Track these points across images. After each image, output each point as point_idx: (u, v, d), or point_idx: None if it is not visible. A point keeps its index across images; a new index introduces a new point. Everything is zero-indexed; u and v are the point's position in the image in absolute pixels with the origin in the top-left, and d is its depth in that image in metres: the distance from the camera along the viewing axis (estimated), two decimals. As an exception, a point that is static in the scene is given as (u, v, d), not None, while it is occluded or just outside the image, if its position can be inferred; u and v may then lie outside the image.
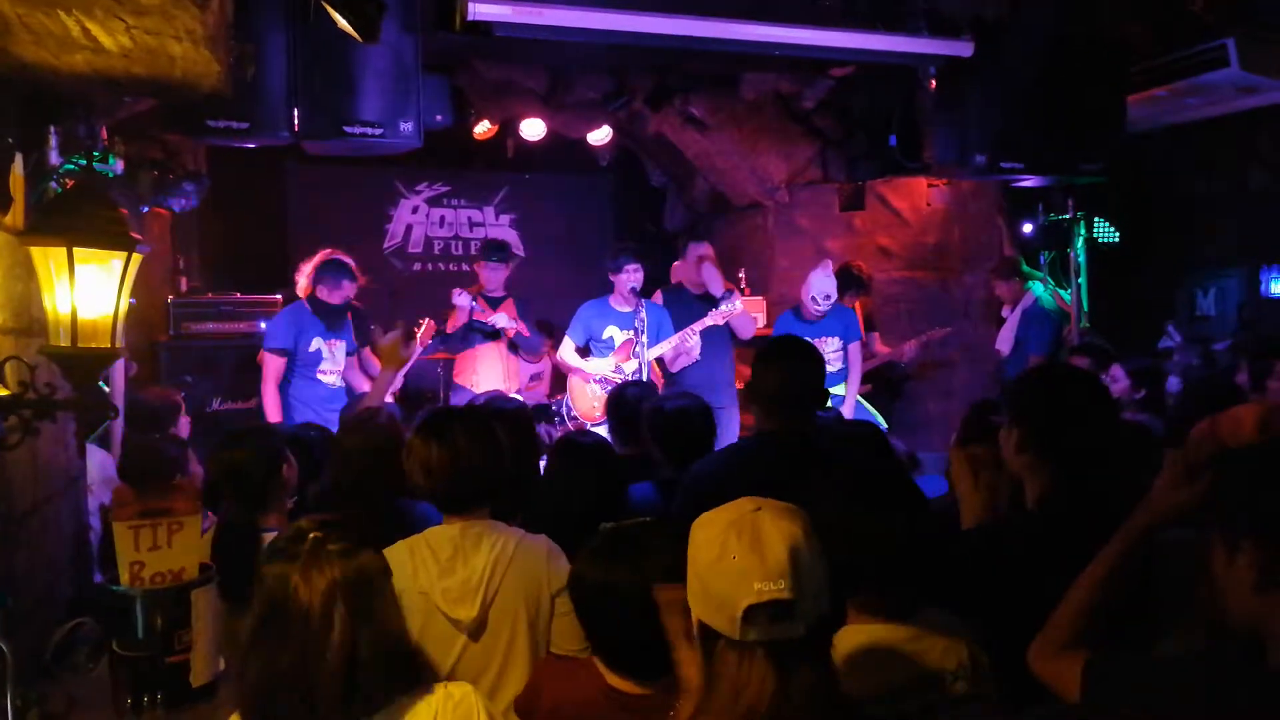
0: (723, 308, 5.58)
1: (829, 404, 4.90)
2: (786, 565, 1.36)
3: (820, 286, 5.84)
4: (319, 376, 5.28)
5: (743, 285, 7.32)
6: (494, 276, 5.95)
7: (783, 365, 2.75)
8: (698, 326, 5.57)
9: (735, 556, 1.38)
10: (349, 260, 5.43)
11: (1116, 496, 2.05)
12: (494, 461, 2.36)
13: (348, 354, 5.46)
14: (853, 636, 1.77)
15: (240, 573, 1.97)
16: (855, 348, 6.06)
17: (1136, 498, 1.70)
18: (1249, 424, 2.19)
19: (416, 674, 1.74)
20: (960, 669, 1.78)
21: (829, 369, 5.66)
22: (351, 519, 1.76)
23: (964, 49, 5.18)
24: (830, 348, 5.85)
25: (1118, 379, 4.51)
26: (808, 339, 5.41)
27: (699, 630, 1.43)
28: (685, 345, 5.59)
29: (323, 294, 5.29)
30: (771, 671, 1.36)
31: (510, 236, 8.70)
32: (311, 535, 1.64)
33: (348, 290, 5.34)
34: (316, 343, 5.27)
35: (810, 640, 1.39)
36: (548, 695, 1.89)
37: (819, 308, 5.85)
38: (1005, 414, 2.19)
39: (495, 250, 6.03)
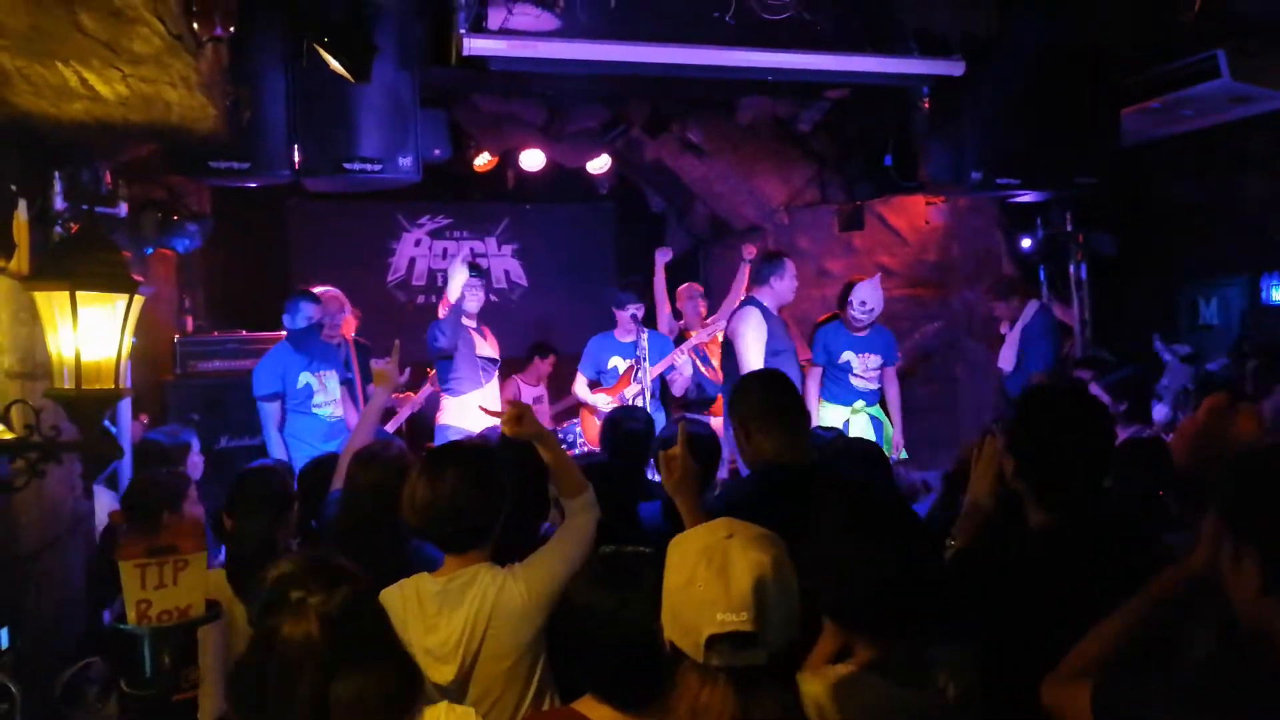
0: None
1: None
2: (750, 597, 1.39)
3: (863, 294, 5.67)
4: (314, 411, 5.26)
5: (744, 308, 7.37)
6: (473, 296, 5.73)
7: (761, 386, 2.72)
8: (685, 347, 5.86)
9: (701, 584, 1.41)
10: (315, 290, 5.47)
11: (1117, 516, 2.06)
12: (487, 502, 2.26)
13: (341, 383, 5.44)
14: (859, 692, 1.66)
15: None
16: (892, 371, 5.92)
17: (1143, 513, 1.71)
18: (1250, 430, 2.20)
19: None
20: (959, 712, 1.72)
21: (867, 386, 5.71)
22: (334, 565, 1.70)
23: (955, 68, 5.22)
24: (871, 364, 5.79)
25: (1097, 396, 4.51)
26: (850, 351, 5.61)
27: (669, 648, 1.46)
28: (676, 363, 5.80)
29: (288, 323, 5.31)
30: (733, 697, 1.39)
31: (513, 267, 8.77)
32: (292, 592, 1.59)
33: (310, 313, 5.29)
34: (304, 378, 5.24)
35: (773, 667, 1.41)
36: None
37: (860, 318, 5.69)
38: (1004, 439, 2.17)
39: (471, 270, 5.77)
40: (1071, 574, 1.96)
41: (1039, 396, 2.24)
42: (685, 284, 6.67)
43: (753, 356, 5.07)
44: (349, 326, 5.94)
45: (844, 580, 1.68)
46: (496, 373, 5.94)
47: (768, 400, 2.62)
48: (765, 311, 5.27)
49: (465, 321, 5.72)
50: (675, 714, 1.41)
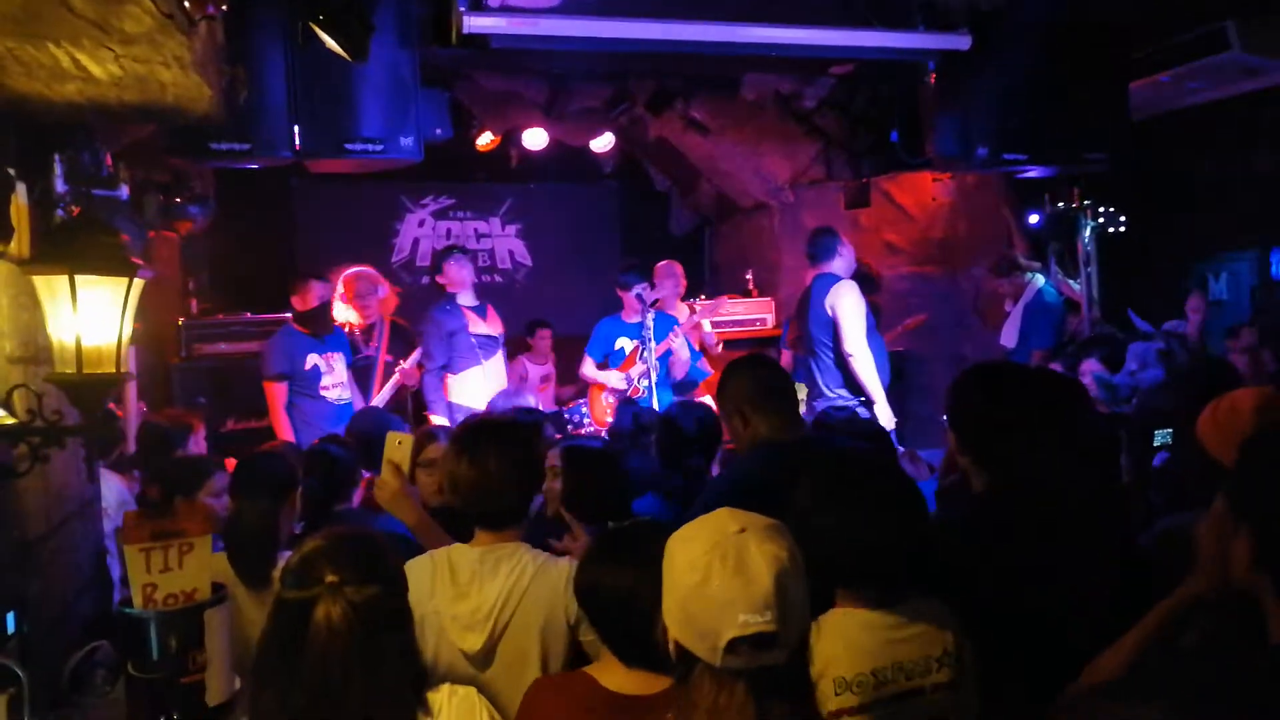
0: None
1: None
2: (773, 595, 1.33)
3: None
4: (323, 393, 5.29)
5: (750, 286, 7.34)
6: (461, 276, 5.90)
7: (751, 369, 2.72)
8: (679, 330, 5.87)
9: (719, 584, 1.34)
10: (351, 271, 5.51)
11: (1063, 489, 2.10)
12: (527, 480, 2.32)
13: (349, 366, 5.48)
14: (838, 621, 1.78)
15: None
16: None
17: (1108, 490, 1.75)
18: (1246, 410, 2.19)
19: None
20: (945, 656, 1.78)
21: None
22: (363, 539, 1.73)
23: (962, 42, 5.17)
24: None
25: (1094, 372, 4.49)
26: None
27: (674, 649, 1.40)
28: (672, 346, 5.81)
29: (297, 304, 5.35)
30: (750, 699, 1.33)
31: (517, 247, 8.74)
32: (328, 569, 1.60)
33: (320, 293, 5.35)
34: (312, 359, 5.28)
35: (789, 668, 1.36)
36: (540, 714, 1.84)
37: None
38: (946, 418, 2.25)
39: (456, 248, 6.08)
40: (1002, 546, 2.00)
41: (978, 377, 2.31)
42: (663, 261, 6.60)
43: (860, 331, 4.95)
44: (389, 305, 5.97)
45: (822, 542, 1.68)
46: (500, 351, 5.97)
47: (758, 383, 2.64)
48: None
49: (463, 300, 5.84)
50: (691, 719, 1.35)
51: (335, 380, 5.35)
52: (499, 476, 2.24)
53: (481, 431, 2.36)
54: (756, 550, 1.35)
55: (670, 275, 6.47)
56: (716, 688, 1.33)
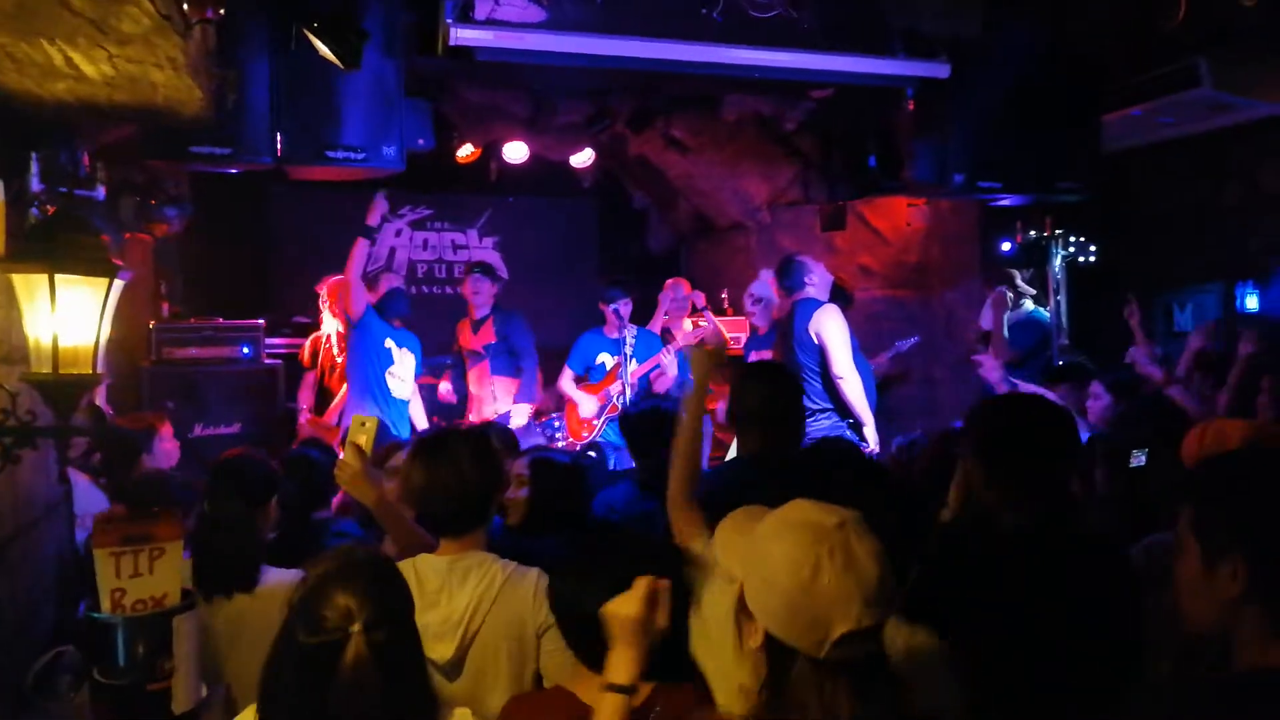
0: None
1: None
2: (883, 591, 1.35)
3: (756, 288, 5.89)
4: (387, 378, 5.46)
5: (725, 305, 7.38)
6: (479, 295, 6.07)
7: (762, 385, 2.77)
8: (673, 347, 5.92)
9: (830, 579, 1.35)
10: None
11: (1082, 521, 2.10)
12: (485, 482, 2.32)
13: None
14: None
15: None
16: None
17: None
18: (1234, 441, 2.23)
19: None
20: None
21: None
22: (376, 568, 1.69)
23: (941, 70, 5.25)
24: None
25: (1099, 396, 4.54)
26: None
27: (766, 643, 1.40)
28: (662, 363, 5.88)
29: (370, 298, 5.63)
30: (852, 688, 1.36)
31: (493, 259, 8.72)
32: (351, 609, 1.55)
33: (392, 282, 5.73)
34: (389, 342, 5.47)
35: (881, 653, 1.40)
36: None
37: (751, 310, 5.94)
38: (965, 446, 2.22)
39: (478, 266, 6.27)
40: (1037, 576, 1.99)
41: (1000, 408, 2.29)
42: (671, 279, 6.66)
43: (847, 354, 4.96)
44: None
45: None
46: (484, 363, 6.01)
47: (763, 401, 2.71)
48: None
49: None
50: (793, 712, 1.36)
51: (403, 375, 5.53)
52: (452, 479, 2.26)
53: (439, 438, 2.40)
54: (858, 545, 1.37)
55: (673, 291, 6.52)
56: (822, 681, 1.35)
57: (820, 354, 4.99)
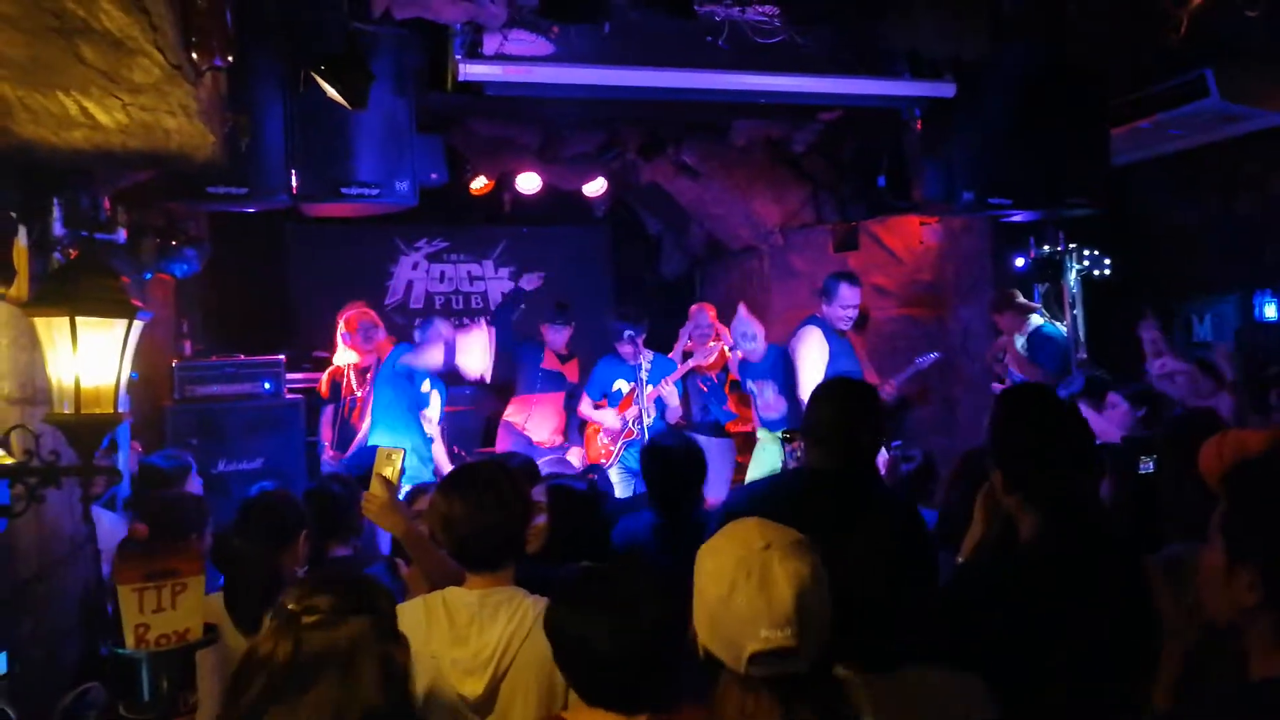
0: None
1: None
2: (793, 613, 1.37)
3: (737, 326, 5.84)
4: (421, 419, 5.58)
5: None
6: (557, 338, 6.39)
7: (822, 402, 2.64)
8: (673, 377, 6.00)
9: (742, 599, 1.38)
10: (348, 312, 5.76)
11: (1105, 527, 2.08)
12: (520, 515, 2.33)
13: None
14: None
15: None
16: None
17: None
18: (1254, 450, 2.22)
19: None
20: None
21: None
22: (354, 582, 1.73)
23: (946, 90, 5.28)
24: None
25: (1116, 404, 4.53)
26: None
27: (703, 654, 1.45)
28: (662, 394, 5.94)
29: (417, 336, 5.86)
30: (777, 704, 1.38)
31: (510, 289, 8.79)
32: (291, 607, 1.60)
33: (440, 330, 5.75)
34: (427, 384, 5.60)
35: (813, 672, 1.40)
36: None
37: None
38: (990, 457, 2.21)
39: (558, 312, 6.50)
40: (1062, 588, 1.98)
41: (1022, 407, 2.25)
42: (695, 305, 6.65)
43: (811, 375, 5.09)
44: (384, 349, 6.03)
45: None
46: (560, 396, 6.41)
47: (819, 418, 2.59)
48: (827, 330, 5.30)
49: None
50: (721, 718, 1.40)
51: (433, 416, 5.70)
52: (490, 514, 2.25)
53: (468, 474, 2.40)
54: (779, 567, 1.40)
55: (697, 318, 6.47)
56: (743, 694, 1.39)
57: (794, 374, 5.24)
